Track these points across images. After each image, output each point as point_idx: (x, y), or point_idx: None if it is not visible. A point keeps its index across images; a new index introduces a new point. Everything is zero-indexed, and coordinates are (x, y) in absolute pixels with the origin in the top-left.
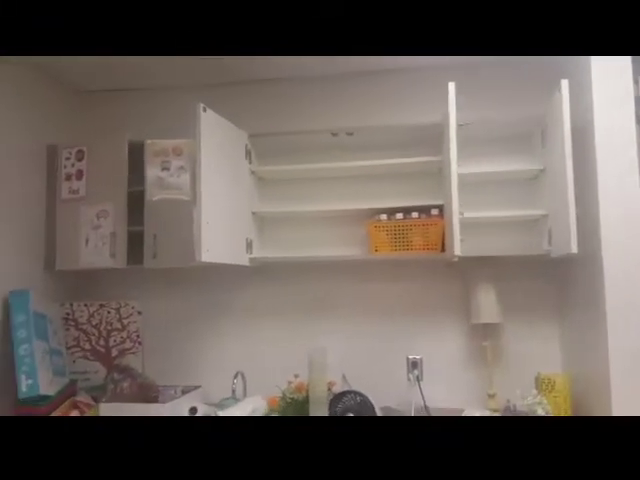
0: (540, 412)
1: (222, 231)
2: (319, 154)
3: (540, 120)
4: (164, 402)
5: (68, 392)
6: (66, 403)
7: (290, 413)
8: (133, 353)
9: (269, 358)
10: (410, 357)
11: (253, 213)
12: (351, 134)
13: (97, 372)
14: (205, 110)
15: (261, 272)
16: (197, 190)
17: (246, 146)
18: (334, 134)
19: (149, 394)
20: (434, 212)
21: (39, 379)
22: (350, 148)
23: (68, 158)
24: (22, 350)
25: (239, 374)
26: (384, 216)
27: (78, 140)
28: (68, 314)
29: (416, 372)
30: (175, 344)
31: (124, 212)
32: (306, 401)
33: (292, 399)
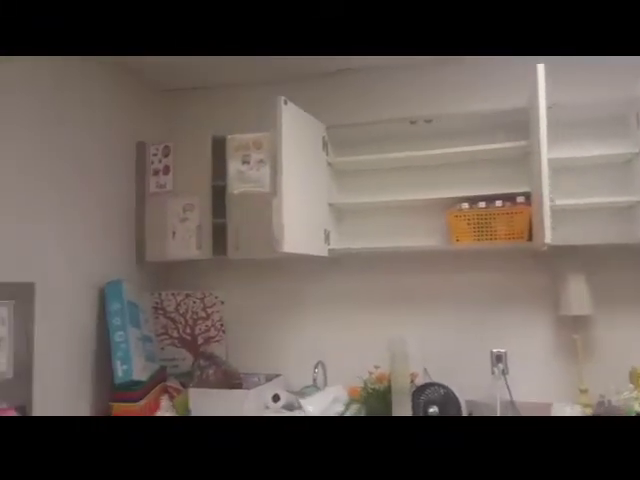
0: (637, 408)
1: (302, 222)
2: (397, 143)
3: (635, 101)
4: (248, 389)
5: (159, 377)
6: (157, 388)
7: (372, 403)
8: (217, 341)
9: (349, 348)
10: (494, 350)
11: (330, 204)
12: (430, 121)
13: (184, 359)
14: (286, 103)
15: (339, 263)
16: (277, 182)
17: (323, 138)
18: (412, 122)
19: (233, 381)
20: (519, 200)
21: (133, 364)
22: (429, 136)
23: (155, 154)
24: (117, 337)
25: (320, 363)
26: (465, 205)
27: (164, 137)
28: (157, 303)
29: (501, 366)
30: (256, 333)
31: (209, 205)
32: (388, 392)
33: (373, 389)
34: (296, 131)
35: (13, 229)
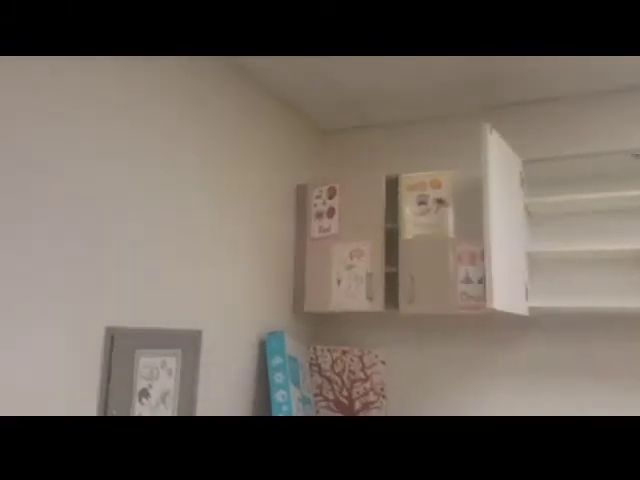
0: None
1: (506, 275)
2: (609, 181)
3: None
4: None
5: None
6: None
7: None
8: (377, 408)
9: None
10: None
11: (528, 253)
12: None
13: None
14: (491, 132)
15: (530, 322)
16: (485, 227)
17: (520, 174)
18: (636, 155)
19: None
20: None
21: None
22: None
23: (319, 196)
24: (279, 397)
25: None
26: None
27: (328, 178)
28: (312, 359)
29: None
30: (423, 402)
31: (381, 251)
32: None
33: None
34: (499, 165)
35: (180, 278)
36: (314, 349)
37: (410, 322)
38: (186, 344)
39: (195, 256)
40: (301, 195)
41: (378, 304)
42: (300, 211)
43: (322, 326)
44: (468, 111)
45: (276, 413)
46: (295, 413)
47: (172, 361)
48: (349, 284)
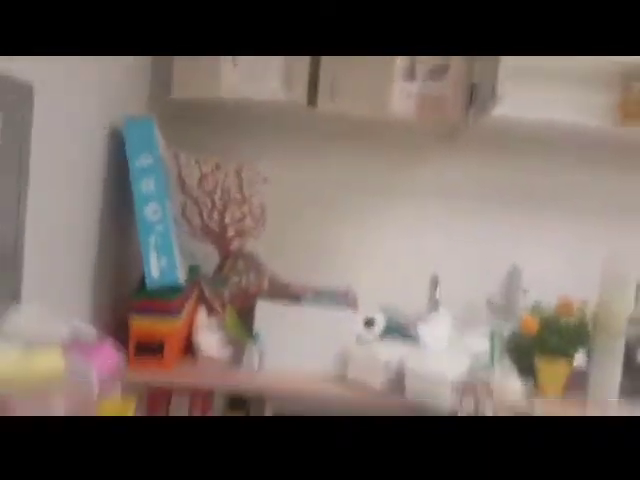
0: None
1: None
2: None
3: None
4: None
5: (196, 282)
6: (194, 298)
7: (554, 342)
8: (255, 237)
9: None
10: None
11: None
12: None
13: (206, 257)
14: None
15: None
16: None
17: None
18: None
19: (286, 295)
20: None
21: (176, 259)
22: None
23: None
24: (150, 212)
25: (436, 279)
26: None
27: None
28: (174, 170)
29: None
30: (314, 228)
31: None
32: (580, 328)
33: (559, 324)
34: None
35: None
36: (176, 157)
37: (326, 126)
38: (12, 104)
39: None
40: None
41: (299, 94)
42: None
43: (193, 123)
44: None
45: (146, 235)
46: (174, 237)
47: None
48: (254, 61)
